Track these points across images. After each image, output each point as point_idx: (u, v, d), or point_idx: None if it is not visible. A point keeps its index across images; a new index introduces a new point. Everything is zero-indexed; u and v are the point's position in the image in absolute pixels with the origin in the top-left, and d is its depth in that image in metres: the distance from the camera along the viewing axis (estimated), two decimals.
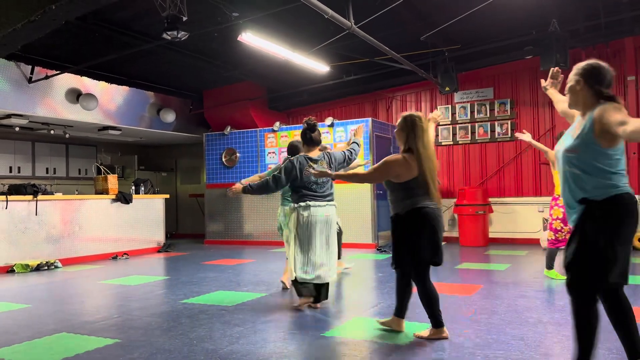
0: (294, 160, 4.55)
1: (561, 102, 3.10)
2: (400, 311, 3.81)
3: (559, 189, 5.36)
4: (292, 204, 4.63)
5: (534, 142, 6.04)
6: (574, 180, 2.70)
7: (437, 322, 3.60)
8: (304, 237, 4.48)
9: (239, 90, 11.07)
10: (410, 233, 3.57)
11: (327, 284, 4.69)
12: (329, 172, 3.74)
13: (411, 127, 3.61)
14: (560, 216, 5.63)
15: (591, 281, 2.63)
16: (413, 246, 3.56)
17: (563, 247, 5.26)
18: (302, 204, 4.48)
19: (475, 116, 10.26)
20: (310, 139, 4.60)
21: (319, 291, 4.62)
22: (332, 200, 4.66)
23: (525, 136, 5.67)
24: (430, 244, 3.55)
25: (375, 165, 3.71)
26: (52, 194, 8.43)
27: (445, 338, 3.59)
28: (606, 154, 2.60)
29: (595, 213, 2.63)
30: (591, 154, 2.63)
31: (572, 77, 2.77)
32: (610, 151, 2.60)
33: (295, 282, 4.59)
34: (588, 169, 2.64)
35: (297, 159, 4.56)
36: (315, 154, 4.63)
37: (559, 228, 5.67)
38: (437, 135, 10.56)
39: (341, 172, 3.71)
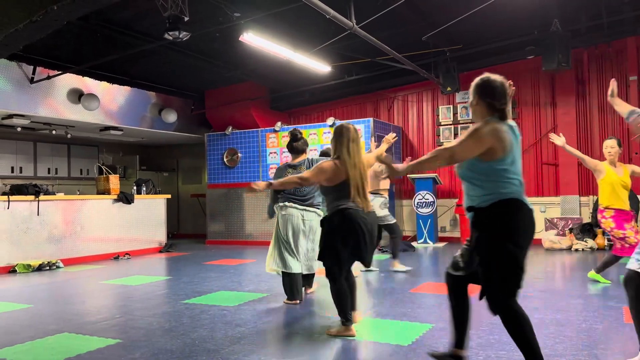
0: (278, 169, 5.14)
1: None
2: (348, 315, 3.93)
3: (605, 199, 5.34)
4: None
5: (568, 148, 5.34)
6: (466, 192, 2.82)
7: (346, 319, 3.78)
8: (282, 233, 4.91)
9: (240, 90, 11.07)
10: (334, 233, 3.76)
11: (309, 275, 5.20)
12: (258, 183, 3.86)
13: (338, 136, 3.87)
14: (613, 225, 5.28)
15: (510, 289, 2.70)
16: (333, 244, 3.76)
17: (625, 257, 5.25)
18: (281, 203, 4.94)
19: None
20: (291, 147, 5.01)
21: (297, 281, 4.95)
22: (316, 206, 4.97)
23: (560, 140, 5.07)
24: (351, 244, 3.73)
25: (310, 169, 4.00)
26: (53, 194, 8.44)
27: (353, 336, 3.73)
28: (489, 166, 2.69)
29: (483, 220, 2.72)
30: (474, 167, 2.73)
31: (469, 93, 2.89)
32: (493, 164, 2.68)
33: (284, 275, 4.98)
34: (474, 181, 2.75)
35: (280, 166, 5.13)
36: (298, 160, 4.99)
37: (620, 236, 5.26)
38: (438, 136, 10.56)
39: (278, 180, 4.03)
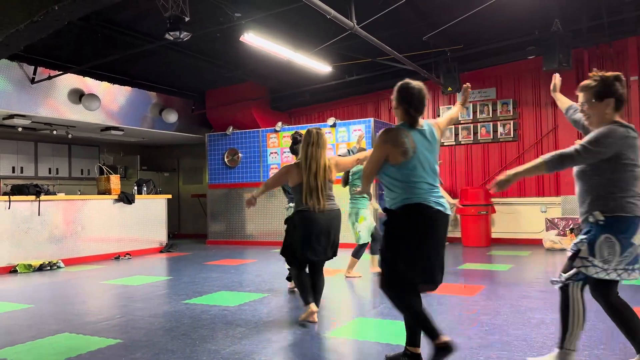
0: None
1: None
2: (307, 300, 4.29)
3: None
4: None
5: None
6: (385, 195, 3.08)
7: (305, 302, 4.17)
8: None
9: (241, 90, 11.08)
10: (291, 232, 4.23)
11: None
12: (250, 201, 4.43)
13: (302, 140, 4.26)
14: None
15: (390, 279, 2.97)
16: (290, 242, 4.22)
17: None
18: (287, 205, 5.46)
19: (478, 116, 10.24)
20: (293, 150, 5.30)
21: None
22: None
23: None
24: (301, 241, 4.12)
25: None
26: (54, 194, 8.44)
27: (313, 312, 4.12)
28: (396, 170, 2.93)
29: (392, 221, 2.98)
30: (385, 170, 2.98)
31: (392, 98, 3.09)
32: (399, 167, 2.92)
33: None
34: (386, 183, 3.01)
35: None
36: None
37: None
38: None
39: (256, 191, 4.44)
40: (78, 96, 9.16)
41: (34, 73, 8.47)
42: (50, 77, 8.55)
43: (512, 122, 9.95)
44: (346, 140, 9.77)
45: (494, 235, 9.77)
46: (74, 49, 8.22)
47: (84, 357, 3.42)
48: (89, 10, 5.06)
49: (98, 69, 9.11)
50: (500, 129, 10.05)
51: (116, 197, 9.17)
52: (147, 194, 10.01)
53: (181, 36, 5.83)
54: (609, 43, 8.90)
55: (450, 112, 3.45)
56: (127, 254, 9.17)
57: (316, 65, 8.56)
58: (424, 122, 3.05)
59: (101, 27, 7.25)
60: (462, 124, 10.37)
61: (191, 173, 13.70)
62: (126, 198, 9.29)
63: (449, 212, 2.99)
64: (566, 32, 7.93)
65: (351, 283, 6.05)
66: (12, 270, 7.47)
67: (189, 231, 13.31)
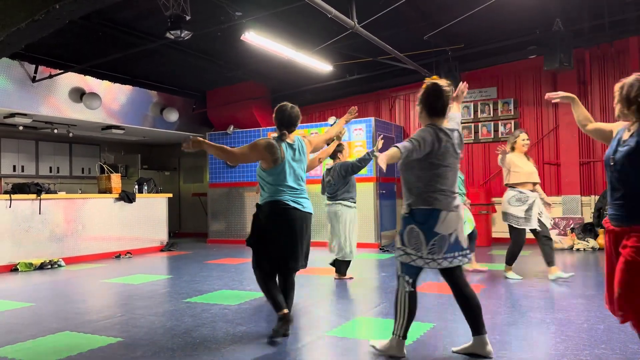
0: None
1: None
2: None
3: None
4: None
5: None
6: (260, 192, 3.88)
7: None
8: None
9: (242, 89, 11.08)
10: None
11: (346, 262, 6.16)
12: None
13: None
14: None
15: (255, 261, 3.81)
16: None
17: None
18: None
19: (479, 116, 10.24)
20: None
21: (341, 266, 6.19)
22: (340, 200, 6.05)
23: None
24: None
25: None
26: (55, 192, 8.45)
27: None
28: (267, 173, 3.72)
29: (257, 213, 3.77)
30: (259, 172, 3.78)
31: None
32: (268, 172, 3.71)
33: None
34: (260, 183, 3.79)
35: None
36: None
37: None
38: None
39: None
40: (79, 95, 9.16)
41: (35, 72, 8.47)
42: (51, 76, 8.56)
43: (513, 121, 9.94)
44: (347, 139, 9.76)
45: (494, 235, 9.76)
46: (75, 47, 8.23)
47: (84, 356, 3.43)
48: (90, 9, 5.06)
49: (99, 67, 9.12)
50: (501, 129, 10.05)
51: (117, 195, 9.18)
52: (148, 192, 10.02)
53: (182, 35, 5.84)
54: (610, 43, 8.89)
55: (328, 131, 4.24)
56: (128, 252, 9.18)
57: (317, 64, 8.56)
58: (296, 137, 3.83)
59: (102, 26, 7.26)
60: (462, 123, 10.35)
61: (192, 172, 13.70)
62: (127, 197, 9.29)
63: (308, 210, 3.73)
64: (567, 32, 7.93)
65: (352, 282, 6.03)
66: (13, 269, 7.48)
67: (189, 230, 13.32)
